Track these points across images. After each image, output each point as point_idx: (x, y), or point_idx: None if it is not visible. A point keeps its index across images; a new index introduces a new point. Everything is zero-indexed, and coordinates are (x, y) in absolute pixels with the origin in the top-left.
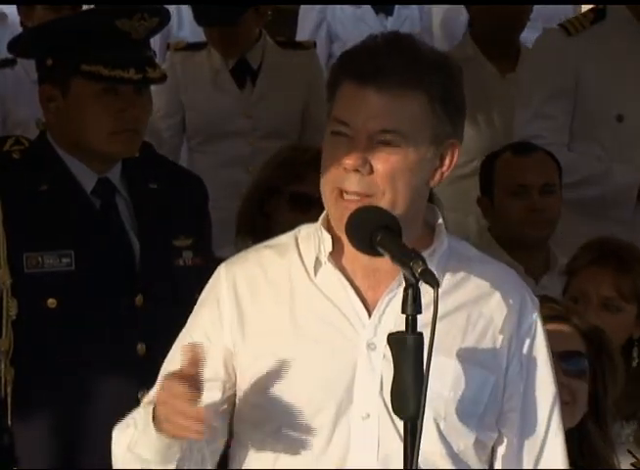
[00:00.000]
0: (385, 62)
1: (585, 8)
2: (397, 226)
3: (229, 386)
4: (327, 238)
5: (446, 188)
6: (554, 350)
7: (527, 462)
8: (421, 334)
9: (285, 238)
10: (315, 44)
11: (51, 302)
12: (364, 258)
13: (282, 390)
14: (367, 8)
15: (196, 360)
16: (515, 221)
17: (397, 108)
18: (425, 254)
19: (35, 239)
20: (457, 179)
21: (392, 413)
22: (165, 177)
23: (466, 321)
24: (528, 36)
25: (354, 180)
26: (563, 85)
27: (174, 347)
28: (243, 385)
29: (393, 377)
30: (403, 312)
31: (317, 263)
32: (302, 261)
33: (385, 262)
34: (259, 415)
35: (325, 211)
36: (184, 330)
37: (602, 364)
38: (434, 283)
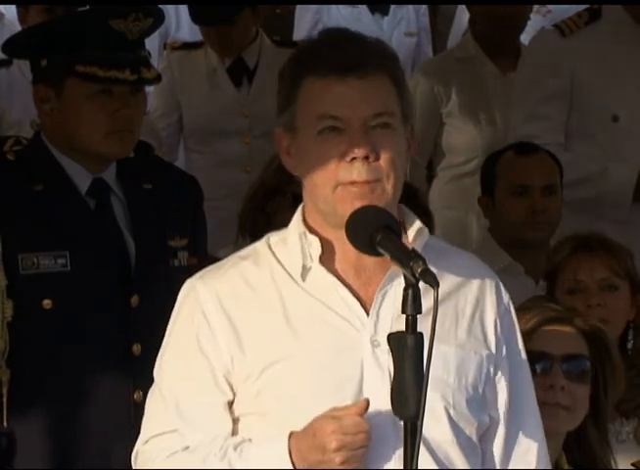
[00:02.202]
0: (351, 52)
1: None
2: (397, 226)
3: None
4: (314, 241)
5: (447, 186)
6: (556, 352)
7: (517, 441)
8: (421, 334)
9: (257, 247)
10: None
11: (47, 302)
12: (352, 257)
13: (293, 396)
14: (363, 8)
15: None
16: (515, 222)
17: (379, 91)
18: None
19: (30, 240)
20: (458, 177)
21: None
22: (160, 177)
23: (455, 309)
24: None
25: (363, 169)
26: (558, 86)
27: (164, 371)
28: (245, 397)
29: (393, 377)
30: (403, 312)
31: (304, 268)
32: (284, 268)
33: (372, 259)
34: (270, 424)
35: (299, 216)
36: (171, 352)
37: (603, 366)
38: (435, 283)
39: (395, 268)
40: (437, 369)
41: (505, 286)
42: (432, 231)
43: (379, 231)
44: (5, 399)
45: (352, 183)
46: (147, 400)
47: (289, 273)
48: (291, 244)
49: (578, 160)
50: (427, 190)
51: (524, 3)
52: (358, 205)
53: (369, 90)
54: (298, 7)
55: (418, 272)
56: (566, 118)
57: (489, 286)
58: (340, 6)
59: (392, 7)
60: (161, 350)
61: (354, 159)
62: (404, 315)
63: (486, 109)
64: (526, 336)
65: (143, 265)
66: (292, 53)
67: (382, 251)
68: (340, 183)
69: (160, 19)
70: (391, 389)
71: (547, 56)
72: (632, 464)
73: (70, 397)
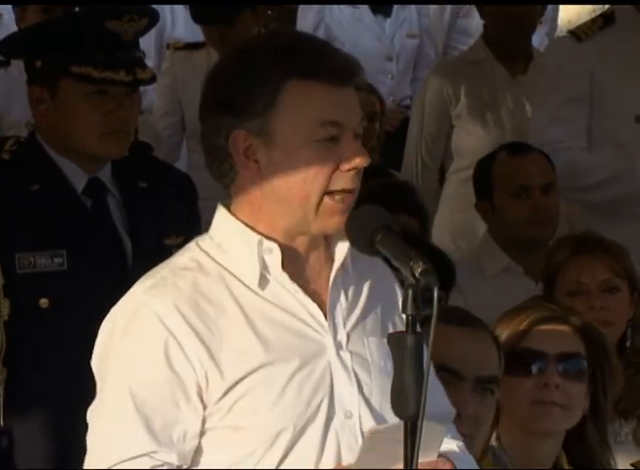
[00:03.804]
0: (340, 59)
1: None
2: (397, 226)
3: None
4: (275, 248)
5: (456, 190)
6: (551, 351)
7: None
8: (421, 334)
9: (193, 255)
10: None
11: (43, 302)
12: (301, 260)
13: (270, 407)
14: (365, 8)
15: None
16: (518, 222)
17: (356, 98)
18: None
19: (27, 239)
20: (466, 180)
21: (372, 410)
22: (155, 176)
23: (376, 300)
24: None
25: (355, 178)
26: (578, 90)
27: (128, 393)
28: (218, 411)
29: (393, 377)
30: (403, 312)
31: (263, 276)
32: (234, 276)
33: (315, 259)
34: (246, 436)
35: (233, 221)
36: (134, 373)
37: (601, 365)
38: (435, 283)
39: (339, 264)
40: (376, 358)
41: (505, 286)
42: (426, 231)
43: (379, 231)
44: (2, 399)
45: (342, 191)
46: (101, 422)
47: (241, 281)
48: (236, 250)
49: (604, 160)
50: (438, 193)
51: (531, 3)
52: (340, 220)
53: (354, 97)
54: (300, 7)
55: (418, 272)
56: (588, 122)
57: (391, 278)
58: (342, 6)
59: (395, 8)
60: (118, 369)
61: (355, 169)
62: (353, 312)
63: (494, 111)
64: (521, 335)
65: (139, 264)
66: (254, 54)
67: (382, 250)
68: (329, 191)
69: (154, 19)
70: (391, 389)
71: (565, 61)
72: (632, 464)
73: (68, 396)
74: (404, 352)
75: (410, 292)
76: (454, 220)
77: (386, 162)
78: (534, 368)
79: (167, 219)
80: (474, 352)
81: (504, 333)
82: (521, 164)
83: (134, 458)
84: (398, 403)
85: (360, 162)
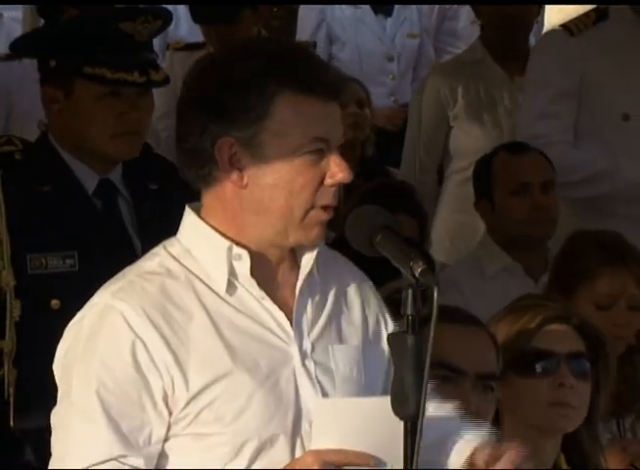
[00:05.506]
0: (332, 74)
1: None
2: (397, 226)
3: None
4: (244, 254)
5: (454, 190)
6: (561, 350)
7: None
8: (421, 334)
9: (161, 260)
10: (315, 45)
11: (54, 303)
12: (271, 267)
13: (235, 417)
14: (366, 8)
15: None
16: (519, 220)
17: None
18: (312, 253)
19: (39, 240)
20: (464, 181)
21: None
22: (164, 178)
23: (346, 306)
24: None
25: (336, 194)
26: (567, 85)
27: (96, 397)
28: (183, 418)
29: (393, 377)
30: (403, 312)
31: (230, 283)
32: (202, 281)
33: (285, 268)
34: (210, 444)
35: (204, 226)
36: (99, 380)
37: (599, 364)
38: (434, 283)
39: (306, 272)
40: (342, 367)
41: (505, 286)
42: (425, 231)
43: (379, 231)
44: (12, 400)
45: (325, 207)
46: (67, 425)
47: (209, 287)
48: (204, 256)
49: (590, 157)
50: (438, 194)
51: (527, 3)
52: (320, 232)
53: (339, 112)
54: (302, 7)
55: (418, 272)
56: (575, 117)
57: (361, 281)
58: (343, 6)
59: (396, 8)
60: (85, 372)
61: (340, 183)
62: (319, 320)
63: (492, 112)
64: (529, 334)
65: None
66: (248, 61)
67: (382, 251)
68: (314, 206)
69: (168, 20)
70: (391, 389)
71: (556, 55)
72: (631, 464)
73: None
74: (404, 352)
75: (410, 292)
76: (452, 221)
77: (387, 163)
78: (543, 367)
79: (176, 220)
80: (473, 350)
81: (507, 332)
82: (520, 162)
83: (102, 463)
84: (398, 403)
85: (343, 177)
